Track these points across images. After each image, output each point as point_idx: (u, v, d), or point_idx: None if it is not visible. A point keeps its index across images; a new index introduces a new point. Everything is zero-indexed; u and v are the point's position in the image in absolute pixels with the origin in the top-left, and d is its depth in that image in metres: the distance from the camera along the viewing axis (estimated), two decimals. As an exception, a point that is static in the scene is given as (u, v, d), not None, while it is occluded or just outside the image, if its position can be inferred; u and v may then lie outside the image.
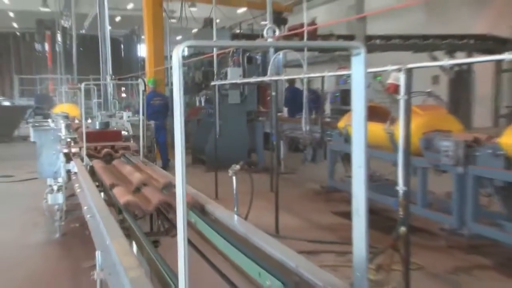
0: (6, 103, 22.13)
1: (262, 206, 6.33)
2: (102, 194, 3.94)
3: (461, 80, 15.36)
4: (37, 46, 29.12)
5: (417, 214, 5.75)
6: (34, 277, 4.95)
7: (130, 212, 3.36)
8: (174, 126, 1.42)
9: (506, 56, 3.35)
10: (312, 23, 13.51)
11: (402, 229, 4.02)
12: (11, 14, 31.52)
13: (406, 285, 3.98)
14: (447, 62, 4.28)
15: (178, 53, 1.39)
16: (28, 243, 6.03)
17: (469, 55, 14.92)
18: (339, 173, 7.81)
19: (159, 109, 11.25)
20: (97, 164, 4.84)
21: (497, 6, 18.32)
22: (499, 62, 13.61)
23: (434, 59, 13.76)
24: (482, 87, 15.79)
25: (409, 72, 3.86)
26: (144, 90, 6.80)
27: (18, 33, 31.24)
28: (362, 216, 1.60)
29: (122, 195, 3.51)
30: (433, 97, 8.14)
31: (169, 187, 3.81)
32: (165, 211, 3.57)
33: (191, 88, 14.96)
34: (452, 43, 15.57)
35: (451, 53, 15.20)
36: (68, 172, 5.79)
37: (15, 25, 34.05)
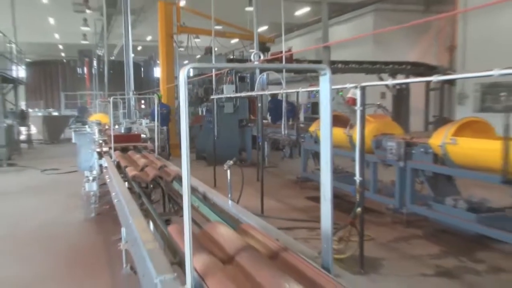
0: (55, 114, 22.19)
1: (251, 193, 6.30)
2: (126, 183, 3.87)
3: (401, 96, 15.51)
4: (78, 70, 29.01)
5: (370, 198, 5.75)
6: (77, 246, 4.91)
7: (136, 181, 3.92)
8: (181, 131, 1.38)
9: (433, 78, 3.42)
10: (289, 50, 13.52)
11: (358, 209, 4.00)
12: (60, 46, 33.51)
13: (360, 252, 3.97)
14: (391, 82, 4.29)
15: (184, 73, 1.36)
16: (71, 221, 5.95)
17: (407, 77, 15.02)
18: (310, 167, 7.78)
19: (163, 117, 11.42)
20: (117, 153, 5.27)
21: (426, 40, 18.66)
22: (428, 82, 13.70)
23: (381, 79, 13.84)
24: (416, 101, 15.95)
25: (363, 89, 3.84)
26: (159, 103, 6.74)
27: (64, 60, 31.30)
28: (328, 200, 1.58)
29: (131, 171, 4.15)
30: (381, 108, 8.19)
31: (163, 167, 4.34)
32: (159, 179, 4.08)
33: (194, 101, 14.88)
34: (394, 68, 15.69)
35: (393, 75, 15.32)
36: (100, 166, 5.73)
37: (62, 54, 35.51)
